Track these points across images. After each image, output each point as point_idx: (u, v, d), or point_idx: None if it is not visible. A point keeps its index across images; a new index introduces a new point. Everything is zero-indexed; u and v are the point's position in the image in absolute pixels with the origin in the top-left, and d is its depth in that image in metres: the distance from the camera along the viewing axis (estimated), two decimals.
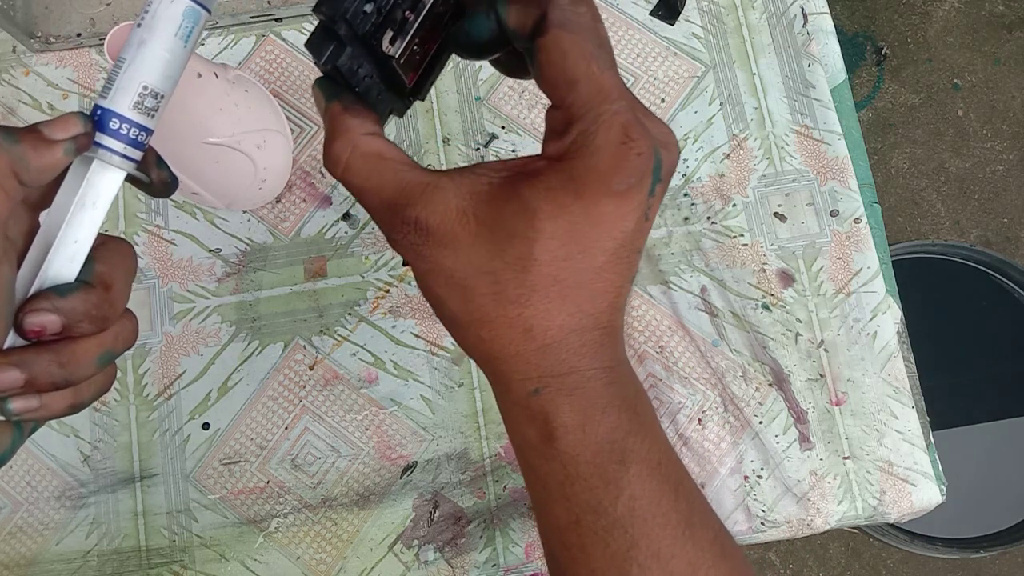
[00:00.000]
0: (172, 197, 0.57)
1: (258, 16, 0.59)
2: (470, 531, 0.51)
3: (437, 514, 0.51)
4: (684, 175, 0.57)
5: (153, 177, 0.30)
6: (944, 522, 1.00)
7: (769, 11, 0.60)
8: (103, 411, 0.54)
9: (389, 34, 0.27)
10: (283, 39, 0.60)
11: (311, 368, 0.54)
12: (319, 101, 0.28)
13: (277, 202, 0.57)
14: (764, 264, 0.55)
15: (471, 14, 0.27)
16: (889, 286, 0.55)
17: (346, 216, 0.56)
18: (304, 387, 0.53)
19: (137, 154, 0.28)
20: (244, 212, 0.57)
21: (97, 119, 0.27)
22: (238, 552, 0.51)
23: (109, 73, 0.27)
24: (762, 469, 0.52)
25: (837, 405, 0.53)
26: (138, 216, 0.57)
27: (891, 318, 0.54)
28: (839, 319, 0.54)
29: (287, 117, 0.56)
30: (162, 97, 0.28)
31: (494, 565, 0.51)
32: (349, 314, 0.55)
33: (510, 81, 0.59)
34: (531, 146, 0.58)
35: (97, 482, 0.52)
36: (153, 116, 0.28)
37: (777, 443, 0.52)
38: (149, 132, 0.28)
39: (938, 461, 0.52)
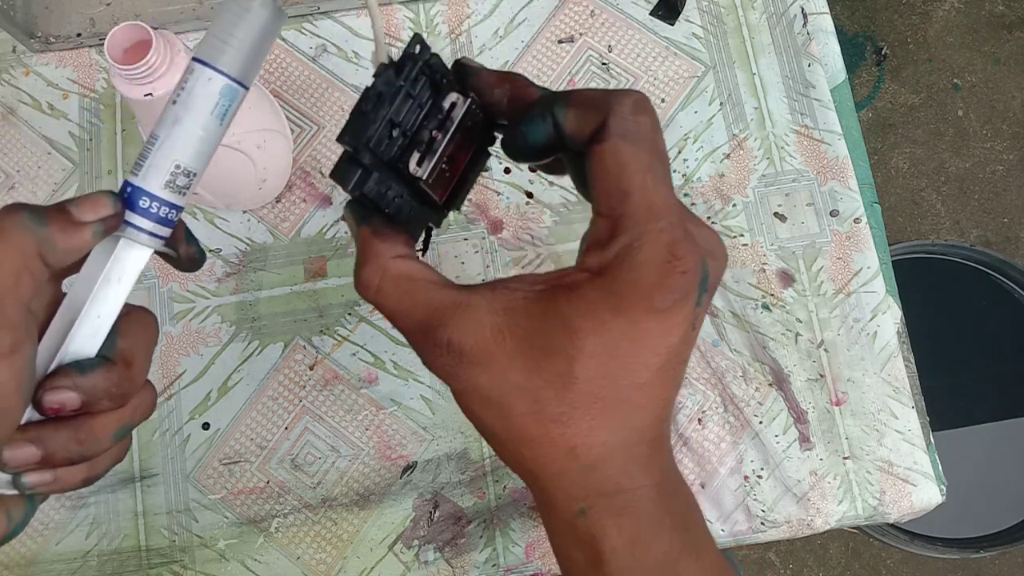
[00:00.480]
0: None
1: None
2: (470, 531, 0.51)
3: (437, 514, 0.51)
4: (684, 175, 0.57)
5: (181, 253, 0.29)
6: (944, 522, 1.00)
7: (769, 11, 0.60)
8: None
9: (416, 156, 0.27)
10: (283, 39, 0.60)
11: (311, 368, 0.54)
12: (351, 224, 0.28)
13: (277, 202, 0.57)
14: (764, 264, 0.55)
15: (527, 118, 0.26)
16: (889, 286, 0.55)
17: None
18: (304, 387, 0.53)
19: (166, 231, 0.27)
20: (244, 212, 0.57)
21: (127, 197, 0.27)
22: (238, 552, 0.51)
23: (142, 149, 0.27)
24: (762, 469, 0.52)
25: (837, 405, 0.53)
26: None
27: (891, 318, 0.54)
28: (839, 319, 0.54)
29: (287, 117, 0.56)
30: (194, 175, 0.27)
31: (494, 565, 0.51)
32: (349, 314, 0.55)
33: None
34: None
35: (97, 482, 0.52)
36: (184, 194, 0.27)
37: (777, 443, 0.52)
38: (179, 209, 0.27)
39: (938, 461, 0.52)
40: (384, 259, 0.26)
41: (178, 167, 0.27)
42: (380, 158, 0.26)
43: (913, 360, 0.54)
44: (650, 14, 0.60)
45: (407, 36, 0.60)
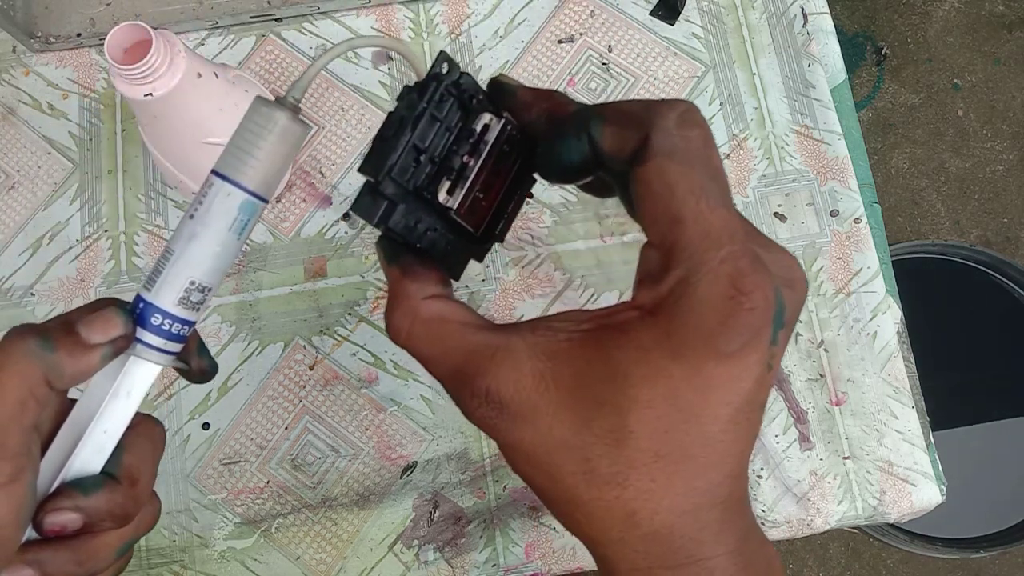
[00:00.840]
0: (172, 197, 0.57)
1: (258, 16, 0.59)
2: (470, 531, 0.51)
3: (437, 514, 0.51)
4: None
5: (193, 366, 0.28)
6: (944, 522, 1.00)
7: (769, 11, 0.60)
8: None
9: (446, 184, 0.25)
10: (283, 39, 0.60)
11: (311, 368, 0.54)
12: (381, 263, 0.25)
13: (277, 202, 0.57)
14: None
15: (560, 136, 0.24)
16: (889, 286, 0.55)
17: (346, 216, 0.56)
18: (304, 387, 0.53)
19: (177, 347, 0.27)
20: None
21: (139, 313, 0.26)
22: (238, 552, 0.51)
23: (156, 263, 0.26)
24: (762, 469, 0.52)
25: (837, 405, 0.53)
26: (138, 216, 0.57)
27: (891, 318, 0.54)
28: (839, 319, 0.54)
29: None
30: (209, 290, 0.26)
31: (494, 565, 0.51)
32: (349, 314, 0.55)
33: None
34: None
35: None
36: (198, 309, 0.26)
37: (777, 443, 0.52)
38: (191, 324, 0.27)
39: (938, 461, 0.52)
40: (415, 301, 0.24)
41: (192, 283, 0.26)
42: (405, 188, 0.24)
43: (913, 360, 0.54)
44: (650, 14, 0.60)
45: (407, 36, 0.60)
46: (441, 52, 0.24)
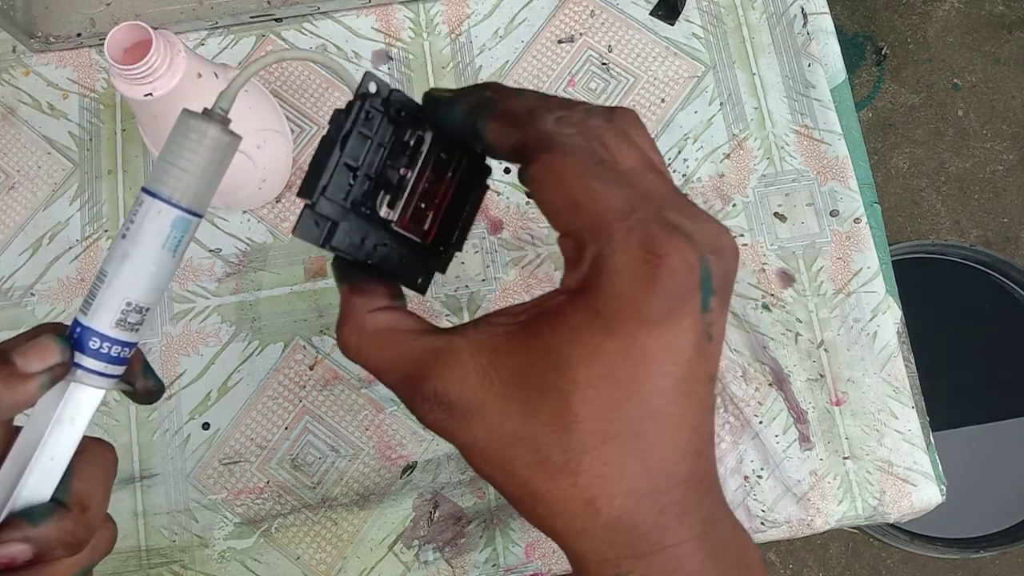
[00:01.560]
0: None
1: (258, 16, 0.59)
2: (470, 531, 0.51)
3: (437, 514, 0.51)
4: (684, 175, 0.57)
5: (138, 387, 0.28)
6: (944, 522, 1.00)
7: (769, 11, 0.60)
8: (103, 411, 0.54)
9: (386, 198, 0.25)
10: (283, 39, 0.60)
11: (311, 368, 0.54)
12: (336, 281, 0.26)
13: (277, 202, 0.57)
14: (764, 264, 0.55)
15: (449, 103, 0.25)
16: (889, 286, 0.55)
17: None
18: (304, 387, 0.53)
19: (118, 370, 0.26)
20: (244, 212, 0.57)
21: (76, 337, 0.25)
22: (238, 552, 0.51)
23: (91, 285, 0.25)
24: (762, 469, 0.52)
25: (837, 405, 0.53)
26: None
27: (891, 318, 0.54)
28: (839, 319, 0.54)
29: (287, 117, 0.56)
30: (147, 310, 0.26)
31: (494, 565, 0.51)
32: None
33: (510, 81, 0.59)
34: None
35: None
36: (137, 330, 0.26)
37: (777, 443, 0.52)
38: (132, 346, 0.26)
39: (938, 461, 0.52)
40: (360, 315, 0.24)
41: (129, 304, 0.25)
42: (343, 206, 0.24)
43: (913, 360, 0.54)
44: (650, 14, 0.60)
45: (407, 36, 0.60)
46: (367, 72, 0.25)
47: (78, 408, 0.25)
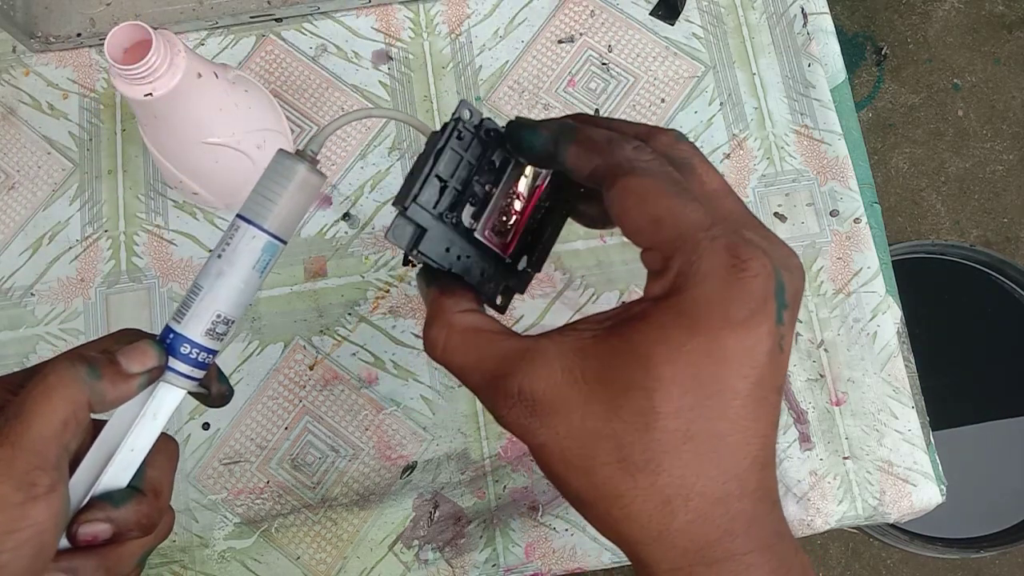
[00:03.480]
0: (172, 197, 0.57)
1: (258, 16, 0.59)
2: (470, 531, 0.51)
3: (437, 514, 0.51)
4: None
5: (213, 391, 0.31)
6: (944, 522, 1.00)
7: (769, 11, 0.60)
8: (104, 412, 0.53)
9: (470, 209, 0.28)
10: (283, 39, 0.60)
11: (311, 368, 0.54)
12: (421, 290, 0.28)
13: None
14: None
15: (532, 127, 0.27)
16: (889, 286, 0.55)
17: (346, 216, 0.56)
18: (304, 387, 0.53)
19: (201, 374, 0.30)
20: None
21: (169, 343, 0.29)
22: (238, 552, 0.51)
23: (184, 297, 0.29)
24: None
25: (837, 405, 0.53)
26: (138, 216, 0.57)
27: (891, 318, 0.54)
28: (839, 319, 0.54)
29: (287, 117, 0.56)
30: (232, 322, 0.29)
31: (494, 565, 0.51)
32: (349, 314, 0.55)
33: (510, 81, 0.59)
34: None
35: None
36: (222, 340, 0.29)
37: (777, 443, 0.52)
38: (215, 353, 0.30)
39: (938, 461, 0.52)
40: (450, 315, 0.26)
41: (219, 316, 0.29)
42: (432, 214, 0.27)
43: (913, 360, 0.54)
44: (650, 14, 0.60)
45: (407, 36, 0.60)
46: (461, 100, 0.27)
47: (161, 406, 0.29)
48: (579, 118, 0.27)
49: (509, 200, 0.28)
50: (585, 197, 0.29)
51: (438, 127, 0.27)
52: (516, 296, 0.31)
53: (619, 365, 0.22)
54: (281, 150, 0.29)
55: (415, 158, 0.27)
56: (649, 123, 0.58)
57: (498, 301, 0.29)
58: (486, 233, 0.28)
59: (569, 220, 0.30)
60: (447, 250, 0.27)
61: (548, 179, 0.29)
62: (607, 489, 0.22)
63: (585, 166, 0.25)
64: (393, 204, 0.27)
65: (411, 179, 0.27)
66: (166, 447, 0.30)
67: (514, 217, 0.28)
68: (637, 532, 0.23)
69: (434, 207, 0.27)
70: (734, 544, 0.22)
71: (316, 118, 0.58)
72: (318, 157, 0.29)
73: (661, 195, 0.23)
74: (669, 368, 0.21)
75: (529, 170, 0.28)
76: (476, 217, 0.28)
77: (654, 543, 0.22)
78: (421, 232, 0.27)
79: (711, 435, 0.22)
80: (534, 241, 0.29)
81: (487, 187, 0.28)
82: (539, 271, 0.30)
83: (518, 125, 0.27)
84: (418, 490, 0.52)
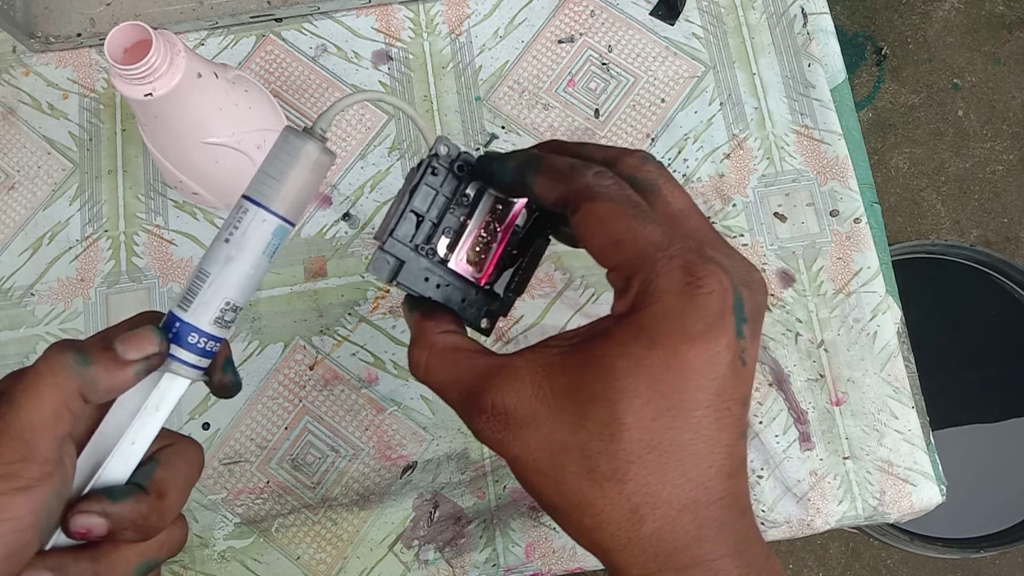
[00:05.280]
0: (172, 197, 0.57)
1: (258, 16, 0.59)
2: (470, 531, 0.51)
3: (437, 514, 0.51)
4: (684, 175, 0.57)
5: (215, 380, 0.30)
6: (944, 522, 1.00)
7: (769, 11, 0.60)
8: None
9: (444, 241, 0.29)
10: (283, 39, 0.60)
11: (311, 368, 0.54)
12: (406, 316, 0.29)
13: None
14: (764, 264, 0.55)
15: (500, 160, 0.28)
16: (889, 286, 0.55)
17: (346, 216, 0.56)
18: (304, 387, 0.53)
19: (206, 363, 0.28)
20: None
21: (175, 332, 0.27)
22: (238, 552, 0.51)
23: (189, 283, 0.27)
24: (762, 469, 0.52)
25: (837, 405, 0.53)
26: (138, 216, 0.57)
27: (891, 318, 0.54)
28: (839, 319, 0.54)
29: (287, 117, 0.56)
30: (240, 309, 0.28)
31: (494, 565, 0.51)
32: (349, 314, 0.55)
33: (510, 81, 0.59)
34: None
35: None
36: (230, 327, 0.28)
37: (777, 443, 0.52)
38: (222, 341, 0.28)
39: (938, 461, 0.52)
40: (431, 336, 0.27)
41: (228, 303, 0.27)
42: (408, 247, 0.28)
43: (913, 360, 0.54)
44: (650, 14, 0.60)
45: (407, 36, 0.60)
46: (439, 136, 0.28)
47: (164, 396, 0.27)
48: (548, 146, 0.29)
49: (482, 230, 0.29)
50: (563, 219, 0.30)
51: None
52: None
53: (585, 379, 0.23)
54: (288, 127, 0.28)
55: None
56: (645, 127, 0.58)
57: (483, 325, 0.30)
58: (460, 263, 0.29)
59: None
60: (426, 280, 0.28)
61: (521, 208, 0.30)
62: (577, 498, 0.23)
63: (550, 194, 0.26)
64: (374, 238, 0.28)
65: (389, 214, 0.28)
66: (185, 450, 0.29)
67: (490, 246, 0.29)
68: (608, 539, 0.23)
69: (411, 240, 0.28)
70: (702, 550, 0.23)
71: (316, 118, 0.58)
72: (327, 136, 0.29)
73: (620, 218, 0.24)
74: (631, 380, 0.23)
75: (502, 202, 0.30)
76: (451, 248, 0.29)
77: (624, 549, 0.23)
78: (400, 264, 0.28)
79: (674, 444, 0.23)
80: (513, 265, 0.30)
81: (461, 219, 0.29)
82: (520, 295, 0.31)
83: (487, 159, 0.28)
84: (418, 490, 0.52)
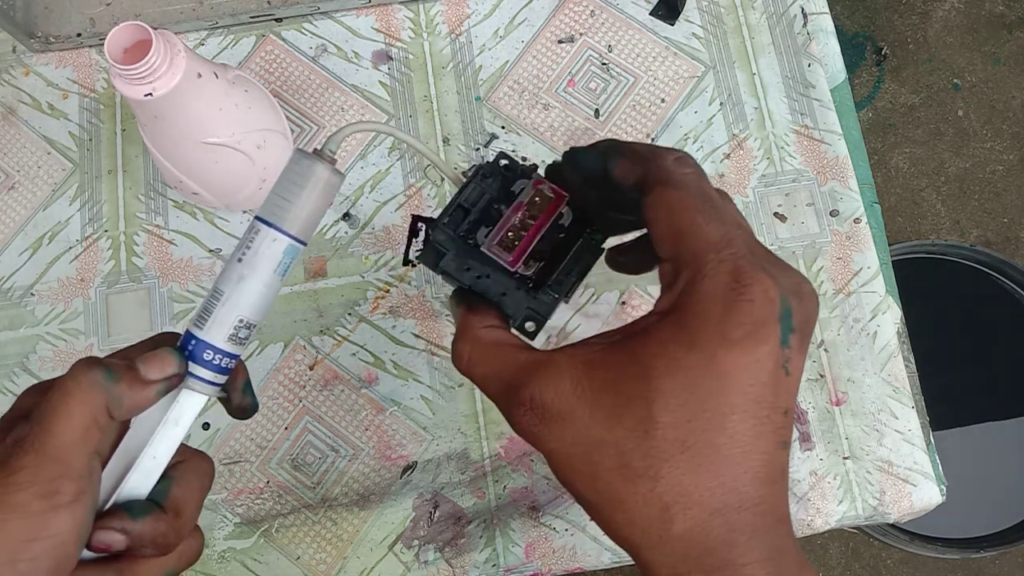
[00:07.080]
0: (172, 197, 0.57)
1: (258, 16, 0.59)
2: (470, 531, 0.51)
3: (437, 514, 0.51)
4: None
5: (234, 400, 0.31)
6: (944, 522, 1.00)
7: (769, 11, 0.60)
8: None
9: (484, 230, 0.30)
10: (283, 39, 0.60)
11: (311, 368, 0.54)
12: (453, 310, 0.30)
13: None
14: None
15: (583, 150, 0.29)
16: (889, 286, 0.55)
17: (346, 216, 0.56)
18: (304, 387, 0.53)
19: (223, 379, 0.29)
20: (244, 212, 0.57)
21: (191, 349, 0.28)
22: (238, 552, 0.51)
23: (204, 302, 0.29)
24: None
25: (837, 405, 0.53)
26: (138, 216, 0.57)
27: (891, 318, 0.54)
28: (839, 319, 0.54)
29: (287, 117, 0.56)
30: (254, 326, 0.29)
31: (494, 565, 0.51)
32: (349, 314, 0.55)
33: (510, 81, 0.59)
34: (531, 146, 0.57)
35: None
36: (244, 344, 0.29)
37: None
38: (237, 357, 0.29)
39: (938, 461, 0.52)
40: (475, 330, 0.28)
41: (241, 320, 0.29)
42: (453, 236, 0.30)
43: (913, 360, 0.54)
44: (650, 14, 0.60)
45: (407, 36, 0.60)
46: (500, 152, 0.31)
47: (183, 412, 0.28)
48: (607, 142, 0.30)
49: (518, 220, 0.30)
50: (603, 221, 0.31)
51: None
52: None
53: (623, 377, 0.24)
54: (299, 149, 0.29)
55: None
56: (645, 127, 0.58)
57: (529, 328, 0.31)
58: (493, 247, 0.30)
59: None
60: (467, 269, 0.30)
61: (560, 203, 0.30)
62: (610, 494, 0.24)
63: (630, 176, 0.27)
64: (426, 229, 0.30)
65: (443, 210, 0.31)
66: (197, 466, 0.30)
67: (521, 234, 0.30)
68: (638, 537, 0.24)
69: (455, 230, 0.30)
70: (732, 554, 0.23)
71: (316, 118, 0.58)
72: (336, 157, 0.29)
73: (687, 209, 0.24)
74: (667, 380, 0.23)
75: (541, 195, 0.31)
76: (487, 236, 0.30)
77: (655, 548, 0.23)
78: (442, 254, 0.30)
79: (708, 447, 0.23)
80: (551, 261, 0.31)
81: (500, 208, 0.30)
82: (565, 298, 0.31)
83: (573, 151, 0.29)
84: (418, 490, 0.52)
